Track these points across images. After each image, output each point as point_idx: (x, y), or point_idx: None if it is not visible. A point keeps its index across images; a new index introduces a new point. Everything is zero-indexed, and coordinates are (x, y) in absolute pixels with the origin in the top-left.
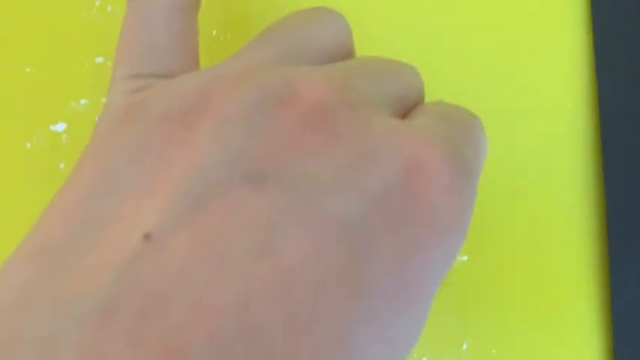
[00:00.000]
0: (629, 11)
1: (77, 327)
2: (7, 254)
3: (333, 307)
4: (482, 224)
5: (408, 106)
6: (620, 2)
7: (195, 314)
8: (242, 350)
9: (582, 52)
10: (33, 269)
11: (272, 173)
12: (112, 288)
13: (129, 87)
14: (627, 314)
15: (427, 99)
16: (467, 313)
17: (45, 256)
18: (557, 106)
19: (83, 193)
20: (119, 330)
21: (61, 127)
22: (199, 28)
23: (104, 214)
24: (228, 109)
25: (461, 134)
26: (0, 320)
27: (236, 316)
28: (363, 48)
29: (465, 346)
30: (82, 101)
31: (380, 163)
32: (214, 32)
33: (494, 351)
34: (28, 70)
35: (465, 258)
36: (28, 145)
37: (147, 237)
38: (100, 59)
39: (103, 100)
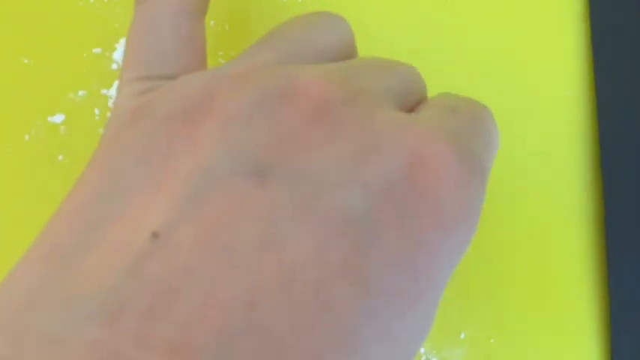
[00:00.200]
0: (627, 8)
1: (85, 326)
2: (7, 245)
3: (337, 301)
4: (481, 217)
5: (411, 103)
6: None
7: (202, 311)
8: (249, 345)
9: (580, 48)
10: (41, 271)
11: (275, 167)
12: (119, 287)
13: (136, 89)
14: (625, 304)
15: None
16: (465, 303)
17: (53, 259)
18: (555, 103)
19: (90, 196)
20: (127, 329)
21: (59, 118)
22: None
23: (111, 215)
24: (231, 107)
25: (469, 127)
26: (10, 322)
27: (242, 311)
28: (363, 48)
29: (462, 336)
30: (80, 92)
31: (383, 156)
32: (212, 23)
33: (492, 340)
34: (26, 61)
35: None
36: (27, 137)
37: (155, 235)
38: (97, 50)
39: (102, 91)
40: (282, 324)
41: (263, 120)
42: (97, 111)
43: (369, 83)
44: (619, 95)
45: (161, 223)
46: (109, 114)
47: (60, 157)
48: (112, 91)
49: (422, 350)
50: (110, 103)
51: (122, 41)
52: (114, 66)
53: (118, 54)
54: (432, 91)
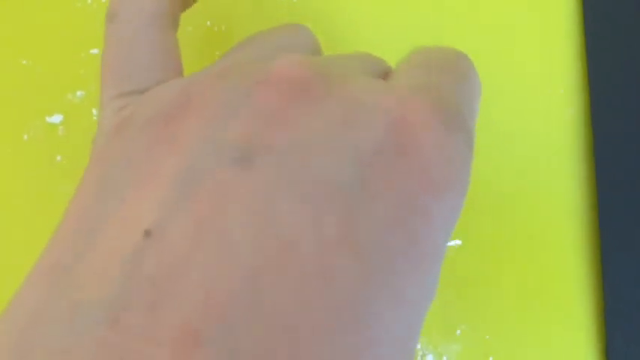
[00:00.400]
0: (621, 7)
1: (92, 332)
2: (6, 245)
3: (339, 273)
4: (474, 211)
5: (381, 73)
6: None
7: (204, 299)
8: (256, 327)
9: (574, 47)
10: (43, 286)
11: (259, 150)
12: (119, 289)
13: (117, 106)
14: (619, 302)
15: None
16: (461, 299)
17: (54, 272)
18: (549, 101)
19: (84, 208)
20: (133, 328)
21: (57, 118)
22: (195, 20)
23: (103, 220)
24: (209, 101)
25: (446, 79)
26: (16, 340)
27: (245, 295)
28: (355, 48)
29: (458, 332)
30: (78, 93)
31: (364, 123)
32: (209, 23)
33: (487, 337)
34: (24, 62)
35: (459, 242)
36: (25, 137)
37: (147, 233)
38: (95, 50)
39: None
40: (286, 303)
41: (240, 107)
42: (94, 111)
43: (340, 65)
44: (612, 94)
45: (152, 221)
46: None
47: (58, 158)
48: None
49: (418, 346)
50: None
51: None
52: None
53: None
54: None
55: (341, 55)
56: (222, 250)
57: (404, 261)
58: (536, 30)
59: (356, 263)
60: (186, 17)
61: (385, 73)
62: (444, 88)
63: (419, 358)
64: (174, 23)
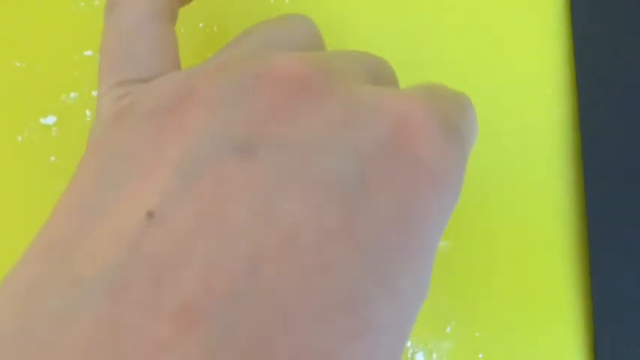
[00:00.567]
0: (608, 3)
1: (92, 301)
2: (1, 244)
3: (337, 262)
4: (463, 210)
5: (384, 83)
6: None
7: (206, 279)
8: (255, 309)
9: (562, 47)
10: (44, 260)
11: (261, 142)
12: (122, 263)
13: (115, 95)
14: (606, 297)
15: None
16: (451, 297)
17: (54, 249)
18: (536, 95)
19: (84, 190)
20: (134, 301)
21: (51, 119)
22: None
23: (105, 203)
24: (211, 93)
25: (446, 103)
26: (17, 307)
27: (246, 276)
28: (349, 46)
29: (448, 329)
30: (72, 94)
31: (366, 122)
32: (201, 25)
33: (477, 334)
34: (18, 64)
35: (448, 243)
36: (19, 138)
37: (150, 214)
38: (88, 52)
39: (93, 92)
40: (285, 287)
41: (243, 100)
42: (88, 112)
43: (342, 65)
44: (600, 94)
45: (155, 204)
46: None
47: (52, 158)
48: None
49: (408, 344)
50: None
51: None
52: None
53: None
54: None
55: (343, 52)
56: (223, 235)
57: (400, 254)
58: (525, 30)
59: (354, 254)
60: (178, 19)
61: (389, 83)
62: (444, 107)
63: (409, 355)
64: (173, 17)
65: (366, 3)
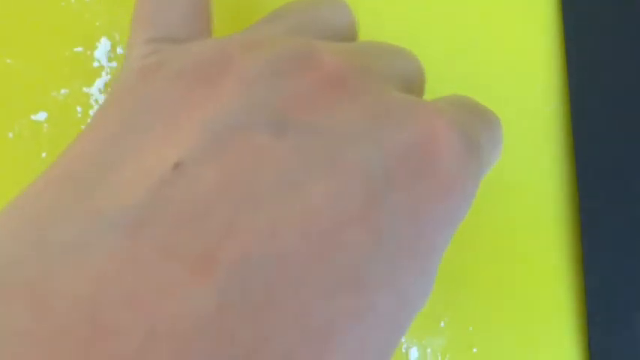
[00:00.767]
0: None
1: (109, 234)
2: None
3: (352, 242)
4: None
5: (414, 91)
6: None
7: (226, 233)
8: (268, 271)
9: (553, 38)
10: (61, 188)
11: (293, 123)
12: (145, 203)
13: (145, 51)
14: (600, 292)
15: None
16: (444, 292)
17: (69, 179)
18: (527, 91)
19: (110, 130)
20: (152, 240)
21: (42, 116)
22: None
23: (129, 147)
24: (250, 67)
25: (473, 119)
26: (32, 231)
27: (265, 238)
28: None
29: (442, 324)
30: (62, 91)
31: (396, 124)
32: None
33: (470, 328)
34: (8, 61)
35: None
36: (10, 135)
37: (176, 166)
38: (79, 49)
39: (84, 89)
40: (300, 257)
41: (280, 81)
42: (79, 109)
43: (377, 64)
44: (592, 91)
45: (182, 156)
46: (91, 111)
47: (43, 155)
48: (94, 89)
49: (402, 339)
50: (92, 101)
51: (103, 40)
52: (95, 64)
53: (99, 52)
54: None
55: (380, 48)
56: (247, 198)
57: (409, 253)
58: (515, 26)
59: (369, 240)
60: None
61: (418, 91)
62: (471, 124)
63: (403, 350)
64: None
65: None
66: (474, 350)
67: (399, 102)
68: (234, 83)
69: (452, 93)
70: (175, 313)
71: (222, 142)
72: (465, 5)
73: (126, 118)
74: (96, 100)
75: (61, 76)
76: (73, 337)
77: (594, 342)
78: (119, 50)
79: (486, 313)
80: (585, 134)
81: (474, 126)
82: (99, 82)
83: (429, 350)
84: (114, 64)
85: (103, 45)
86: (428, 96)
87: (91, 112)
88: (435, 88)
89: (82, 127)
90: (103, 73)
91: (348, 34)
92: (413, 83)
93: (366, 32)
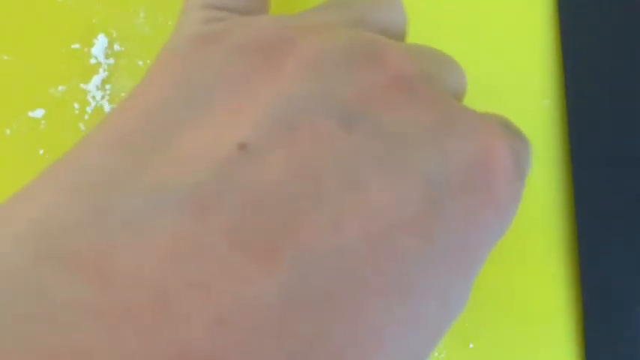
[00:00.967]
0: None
1: (172, 212)
2: None
3: (406, 247)
4: None
5: (461, 101)
6: None
7: (292, 225)
8: (330, 265)
9: (549, 33)
10: (116, 157)
11: (360, 118)
12: (209, 181)
13: (201, 17)
14: (597, 291)
15: None
16: None
17: (124, 148)
18: (523, 86)
19: (157, 96)
20: (218, 224)
21: (39, 113)
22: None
23: (188, 118)
24: (311, 52)
25: (520, 143)
26: (90, 201)
27: (330, 233)
28: None
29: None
30: (60, 87)
31: (460, 135)
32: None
33: (471, 345)
34: (5, 58)
35: None
36: (7, 132)
37: (242, 146)
38: (76, 45)
39: (81, 85)
40: (358, 254)
41: (348, 73)
42: (76, 105)
43: (439, 72)
44: (588, 85)
45: (248, 137)
46: (88, 108)
47: (41, 152)
48: (91, 86)
49: None
50: (89, 98)
51: (100, 37)
52: (92, 61)
53: (96, 49)
54: None
55: (443, 61)
56: (313, 189)
57: (457, 264)
58: (511, 21)
59: (422, 246)
60: (169, 11)
61: (461, 83)
62: (518, 146)
63: None
64: None
65: None
66: (471, 346)
67: (463, 114)
68: (298, 68)
69: None
70: (242, 304)
71: (285, 127)
72: (462, 3)
73: (179, 84)
74: (93, 97)
75: (59, 73)
76: (140, 320)
77: (591, 341)
78: (116, 47)
79: (483, 309)
80: (581, 128)
81: (520, 150)
82: (96, 79)
83: None
84: (111, 60)
85: (101, 42)
86: None
87: (89, 109)
88: None
89: (80, 124)
90: (101, 70)
91: (399, 35)
92: (462, 94)
93: None
